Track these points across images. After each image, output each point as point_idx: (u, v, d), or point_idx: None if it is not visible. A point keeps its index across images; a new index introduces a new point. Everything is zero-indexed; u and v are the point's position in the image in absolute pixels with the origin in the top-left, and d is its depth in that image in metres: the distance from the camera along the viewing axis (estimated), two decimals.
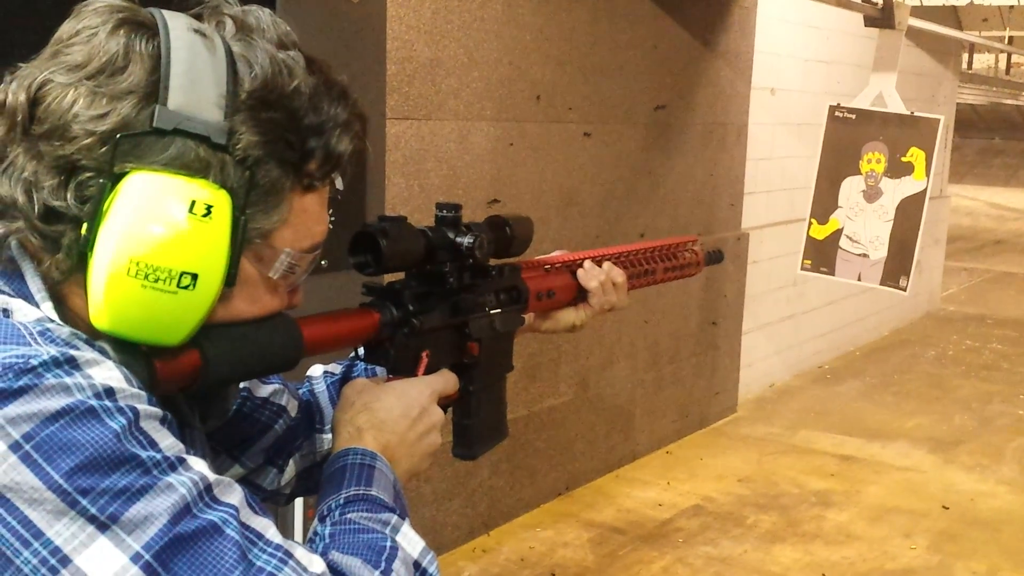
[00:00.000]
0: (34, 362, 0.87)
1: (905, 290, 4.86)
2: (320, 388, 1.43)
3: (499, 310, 1.39)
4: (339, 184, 1.08)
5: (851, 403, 6.33)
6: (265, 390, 1.36)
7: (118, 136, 0.93)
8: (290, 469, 1.39)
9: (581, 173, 4.43)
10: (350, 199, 2.80)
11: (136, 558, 0.86)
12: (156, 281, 0.92)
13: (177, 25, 0.96)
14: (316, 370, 1.46)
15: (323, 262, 1.14)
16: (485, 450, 1.42)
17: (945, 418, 6.06)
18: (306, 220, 1.05)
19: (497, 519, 4.26)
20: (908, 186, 4.85)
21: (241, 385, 1.33)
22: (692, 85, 5.16)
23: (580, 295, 1.57)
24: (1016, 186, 19.40)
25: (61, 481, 0.85)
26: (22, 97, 0.94)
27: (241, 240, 0.98)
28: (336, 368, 1.45)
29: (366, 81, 3.26)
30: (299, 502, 2.72)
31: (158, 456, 0.90)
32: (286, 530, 2.68)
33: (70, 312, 0.98)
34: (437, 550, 3.91)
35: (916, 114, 4.86)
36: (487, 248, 1.33)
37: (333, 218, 2.41)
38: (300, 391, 1.43)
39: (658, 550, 4.16)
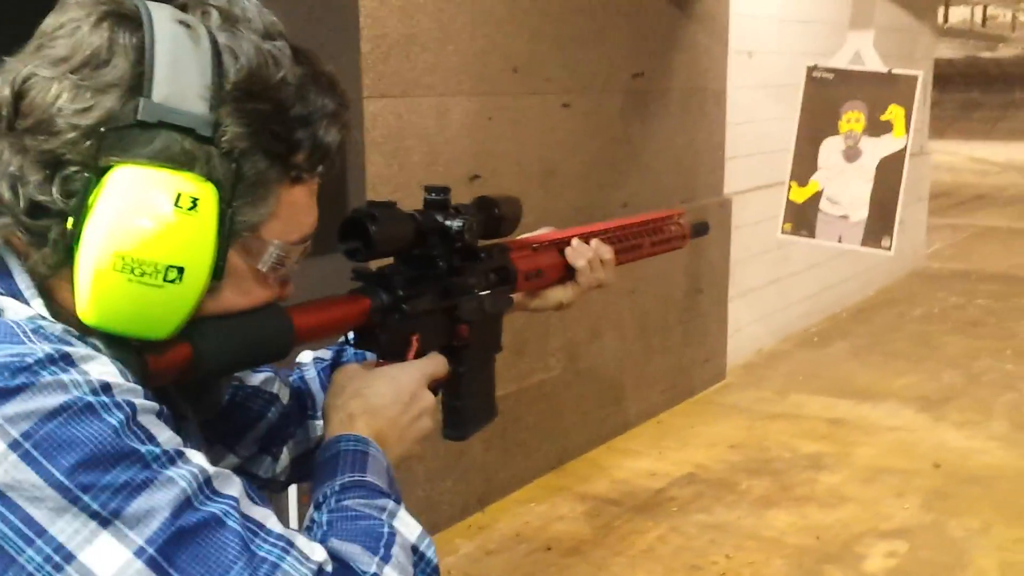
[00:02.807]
0: (30, 360, 0.87)
1: (889, 249, 4.85)
2: (311, 374, 1.44)
3: (488, 292, 1.39)
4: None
5: (840, 365, 6.34)
6: (256, 378, 1.37)
7: (102, 130, 0.92)
8: (284, 457, 1.39)
9: (561, 144, 4.40)
10: (330, 180, 2.76)
11: (139, 552, 0.87)
12: (142, 275, 0.92)
13: (161, 16, 0.95)
14: (306, 356, 1.46)
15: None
16: (475, 431, 1.43)
17: (934, 376, 6.08)
18: (295, 212, 1.05)
19: (491, 495, 4.25)
20: (888, 144, 4.83)
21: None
22: (669, 51, 5.13)
23: (568, 273, 1.58)
24: (996, 139, 19.46)
25: (62, 478, 0.85)
26: (6, 92, 0.94)
27: (228, 233, 0.97)
28: (326, 353, 1.46)
29: (341, 60, 3.22)
30: (293, 488, 2.70)
31: (157, 450, 0.90)
32: (281, 516, 2.66)
33: (60, 308, 0.97)
34: (432, 528, 3.91)
35: (894, 71, 4.84)
36: (476, 231, 1.33)
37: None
38: (291, 378, 1.44)
39: (653, 519, 4.17)
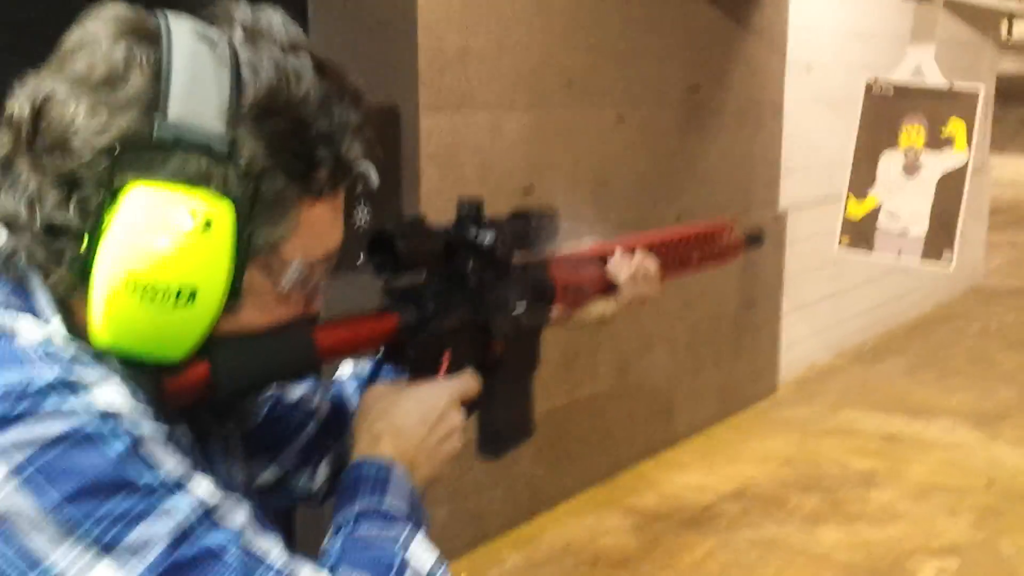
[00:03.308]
0: (34, 386, 0.87)
1: (949, 265, 4.80)
2: (350, 389, 1.43)
3: (524, 307, 1.36)
4: (375, 180, 1.06)
5: (894, 381, 6.27)
6: (297, 392, 1.36)
7: (118, 149, 0.91)
8: (323, 470, 1.39)
9: (615, 158, 4.41)
10: (385, 194, 2.79)
11: None
12: (154, 297, 0.91)
13: (181, 32, 0.95)
14: (345, 369, 1.45)
15: (358, 261, 1.13)
16: (510, 450, 1.40)
17: (989, 393, 5.99)
18: (317, 230, 1.03)
19: (539, 507, 4.27)
20: (949, 159, 4.78)
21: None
22: (725, 64, 5.12)
23: (610, 287, 1.54)
24: None
25: (59, 507, 0.85)
26: (26, 110, 0.94)
27: (246, 252, 0.96)
28: (365, 367, 1.44)
29: (398, 73, 3.26)
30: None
31: (159, 479, 0.90)
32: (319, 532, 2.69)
33: (78, 325, 0.97)
34: (480, 539, 3.93)
35: (956, 85, 4.79)
36: (509, 244, 1.30)
37: (369, 214, 2.37)
38: (330, 391, 1.43)
39: (701, 535, 4.16)
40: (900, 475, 4.79)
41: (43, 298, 0.97)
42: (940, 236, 4.78)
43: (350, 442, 1.21)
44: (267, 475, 1.35)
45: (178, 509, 0.90)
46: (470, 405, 1.29)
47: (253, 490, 1.24)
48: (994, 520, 4.28)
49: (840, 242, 5.04)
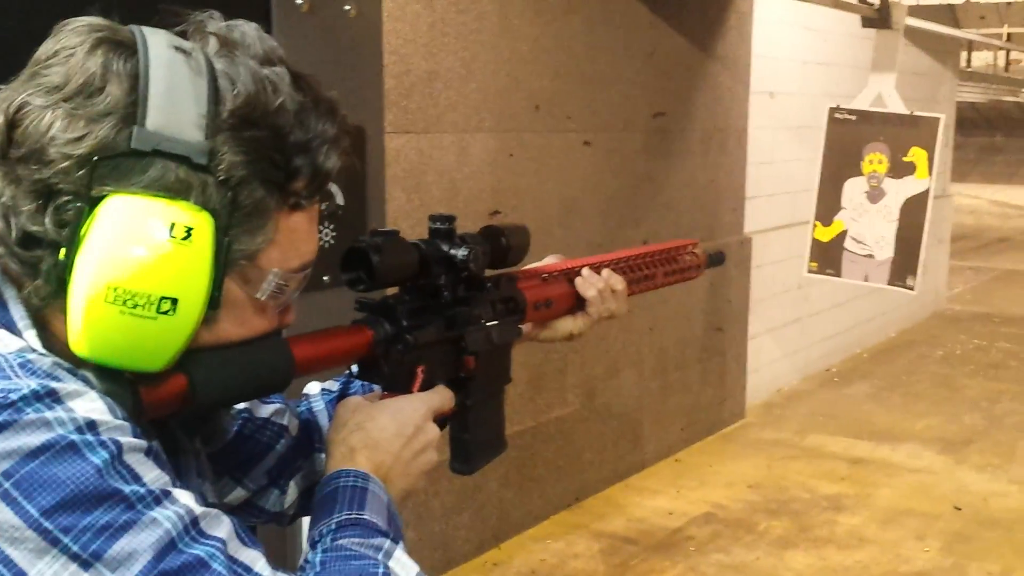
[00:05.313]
0: (13, 396, 0.85)
1: (913, 289, 4.84)
2: (318, 406, 1.41)
3: (496, 322, 1.36)
4: (340, 200, 1.06)
5: (860, 405, 6.30)
6: (266, 410, 1.35)
7: (95, 159, 0.90)
8: (292, 490, 1.37)
9: (582, 182, 4.41)
10: (351, 214, 2.78)
11: None
12: (135, 307, 0.90)
13: (157, 43, 0.94)
14: (313, 387, 1.44)
15: (324, 278, 1.12)
16: (483, 464, 1.40)
17: (954, 418, 6.03)
18: (294, 239, 1.02)
19: (507, 532, 4.23)
20: (911, 186, 4.83)
21: (241, 406, 1.31)
22: (691, 91, 5.15)
23: (578, 303, 1.55)
24: (1019, 183, 19.37)
25: (42, 519, 0.84)
26: None
27: (225, 262, 0.95)
28: (333, 385, 1.43)
29: (364, 96, 3.25)
30: (306, 520, 2.70)
31: (142, 490, 0.88)
32: (296, 550, 2.66)
33: (53, 338, 0.95)
34: (447, 564, 3.89)
35: (916, 113, 4.85)
36: (482, 260, 1.30)
37: (335, 233, 2.36)
38: (298, 409, 1.41)
39: (670, 559, 4.14)
40: (868, 500, 4.79)
41: (16, 311, 0.95)
42: (905, 261, 4.83)
43: (324, 455, 1.19)
44: (236, 494, 1.33)
45: (163, 520, 0.88)
46: (443, 420, 1.28)
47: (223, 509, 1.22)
48: (962, 545, 4.28)
49: (809, 266, 5.09)
